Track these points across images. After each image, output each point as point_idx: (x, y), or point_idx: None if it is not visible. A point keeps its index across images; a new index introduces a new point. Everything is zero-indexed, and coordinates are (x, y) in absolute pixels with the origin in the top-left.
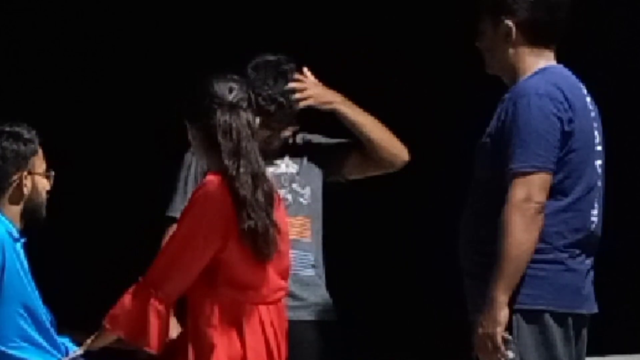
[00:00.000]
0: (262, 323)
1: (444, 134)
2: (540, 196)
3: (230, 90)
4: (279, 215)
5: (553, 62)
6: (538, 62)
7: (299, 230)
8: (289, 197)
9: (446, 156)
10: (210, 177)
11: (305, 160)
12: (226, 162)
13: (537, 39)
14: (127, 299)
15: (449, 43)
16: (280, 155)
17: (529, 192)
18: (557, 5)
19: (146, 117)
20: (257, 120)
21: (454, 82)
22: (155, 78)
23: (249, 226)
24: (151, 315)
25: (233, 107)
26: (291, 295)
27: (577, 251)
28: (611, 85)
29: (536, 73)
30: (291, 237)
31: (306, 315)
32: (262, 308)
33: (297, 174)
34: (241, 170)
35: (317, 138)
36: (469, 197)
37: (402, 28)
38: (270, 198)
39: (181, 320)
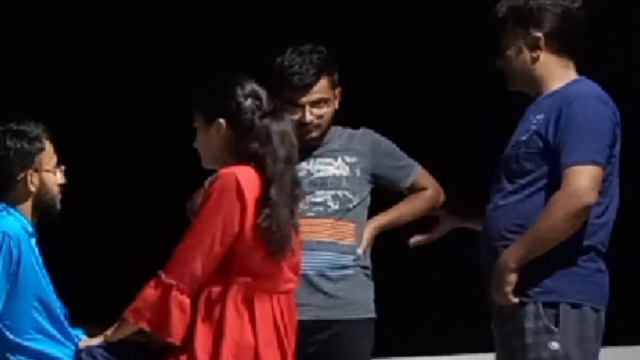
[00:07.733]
0: (273, 313)
1: (445, 134)
2: (593, 189)
3: (271, 96)
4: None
5: (576, 74)
6: (568, 72)
7: (341, 233)
8: (331, 200)
9: (446, 156)
10: (225, 170)
11: (358, 168)
12: (270, 168)
13: (563, 50)
14: (148, 292)
15: (454, 45)
16: (331, 155)
17: (583, 184)
18: (579, 19)
19: (157, 114)
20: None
21: (464, 84)
22: (165, 77)
23: (265, 224)
24: (173, 307)
25: (272, 113)
26: (325, 293)
27: (604, 251)
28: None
29: (575, 82)
30: (331, 239)
31: (341, 314)
32: (274, 298)
33: (347, 178)
34: (278, 173)
35: (382, 150)
36: (499, 188)
37: (403, 29)
38: (296, 200)
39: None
